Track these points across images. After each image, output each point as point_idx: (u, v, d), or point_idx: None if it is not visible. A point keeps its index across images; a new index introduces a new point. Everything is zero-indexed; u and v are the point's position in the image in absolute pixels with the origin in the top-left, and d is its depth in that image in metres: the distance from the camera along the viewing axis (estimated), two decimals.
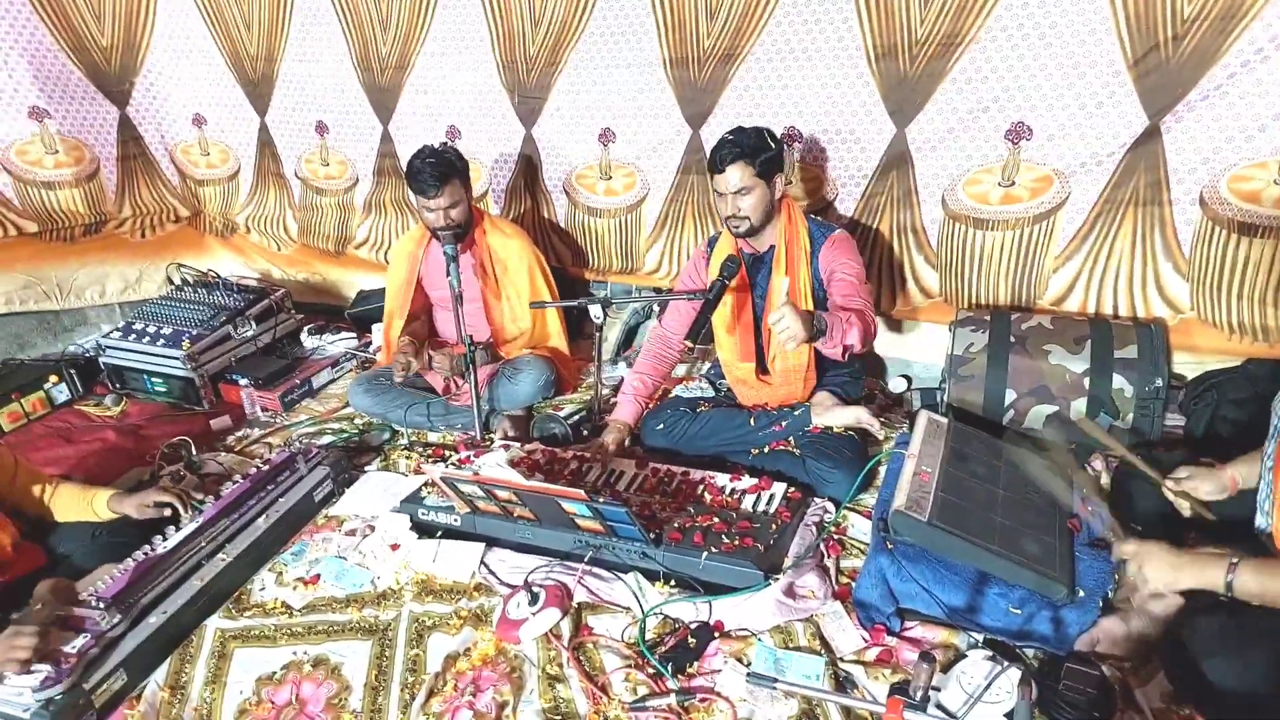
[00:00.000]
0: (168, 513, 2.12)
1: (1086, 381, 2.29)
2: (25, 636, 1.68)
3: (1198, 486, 1.71)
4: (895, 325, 2.89)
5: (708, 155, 2.35)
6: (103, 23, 3.51)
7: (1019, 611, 1.67)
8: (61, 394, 3.17)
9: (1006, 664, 1.42)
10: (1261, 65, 2.10)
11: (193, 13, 3.47)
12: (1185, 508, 1.72)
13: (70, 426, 3.02)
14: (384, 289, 3.11)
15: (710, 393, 2.63)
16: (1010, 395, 2.36)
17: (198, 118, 3.75)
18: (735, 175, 2.26)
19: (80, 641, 1.75)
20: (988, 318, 2.50)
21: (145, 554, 1.98)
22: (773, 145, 2.28)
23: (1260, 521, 1.59)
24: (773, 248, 2.40)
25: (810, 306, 2.35)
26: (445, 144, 2.77)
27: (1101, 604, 1.66)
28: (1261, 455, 1.61)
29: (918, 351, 2.87)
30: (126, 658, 1.78)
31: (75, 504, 2.12)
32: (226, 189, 3.92)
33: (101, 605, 1.81)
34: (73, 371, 3.22)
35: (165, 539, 2.04)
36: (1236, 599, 1.43)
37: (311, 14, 3.29)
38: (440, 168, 2.61)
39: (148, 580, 1.92)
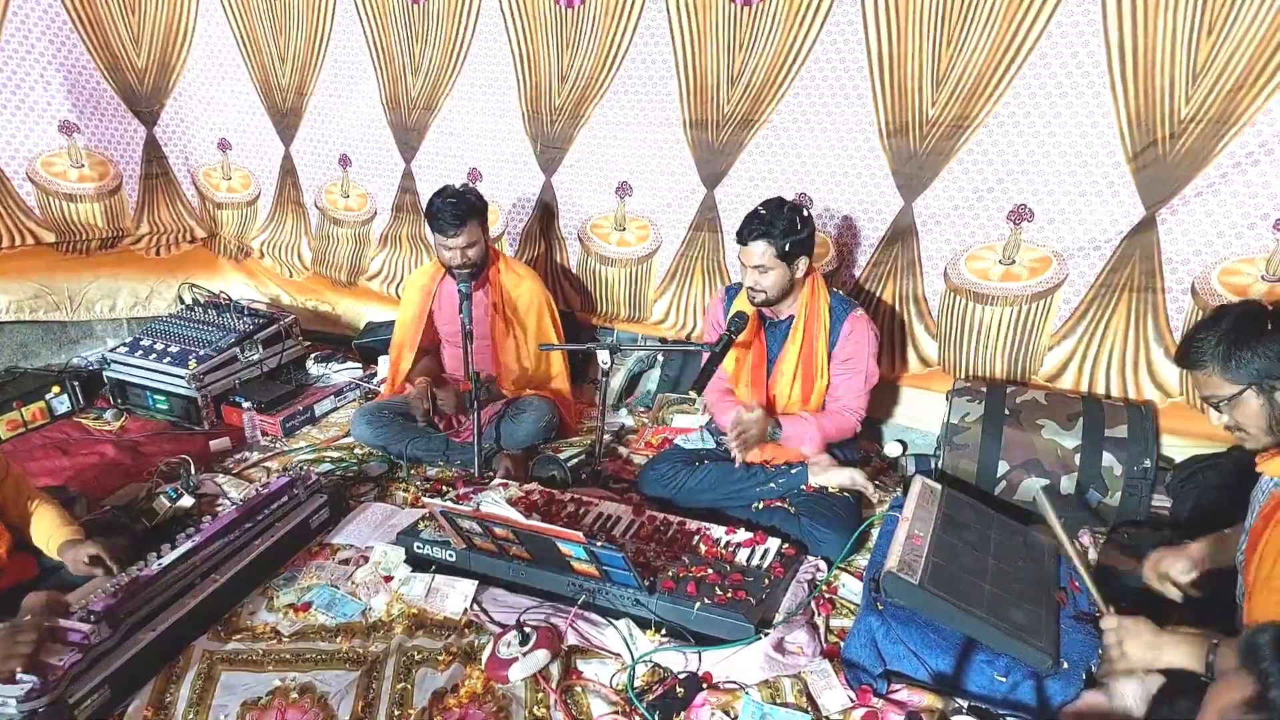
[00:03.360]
0: (99, 572, 1.95)
1: (1077, 457, 2.34)
2: (26, 633, 1.69)
3: (1170, 567, 1.73)
4: (893, 391, 2.95)
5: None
6: (140, 45, 3.63)
7: (1004, 679, 1.69)
8: (62, 405, 3.18)
9: None
10: (1252, 168, 2.21)
11: (229, 42, 3.59)
12: (1175, 594, 1.74)
13: (68, 438, 3.03)
14: (393, 322, 3.16)
15: (710, 445, 2.66)
16: (1003, 466, 2.40)
17: (223, 142, 3.85)
18: (758, 251, 2.30)
19: (68, 655, 1.74)
20: (984, 389, 2.56)
21: (139, 570, 1.98)
22: (801, 229, 2.30)
23: (1240, 612, 1.62)
24: (791, 318, 2.46)
25: (823, 379, 2.44)
26: (466, 185, 2.85)
27: (1085, 676, 1.68)
28: (1235, 538, 1.65)
29: (914, 418, 2.92)
30: (112, 674, 1.77)
31: (43, 532, 2.06)
32: (245, 213, 3.99)
33: (91, 619, 1.80)
34: (75, 383, 3.24)
35: (160, 556, 2.05)
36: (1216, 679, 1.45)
37: (346, 52, 3.41)
38: (461, 208, 2.69)
39: (139, 597, 1.92)
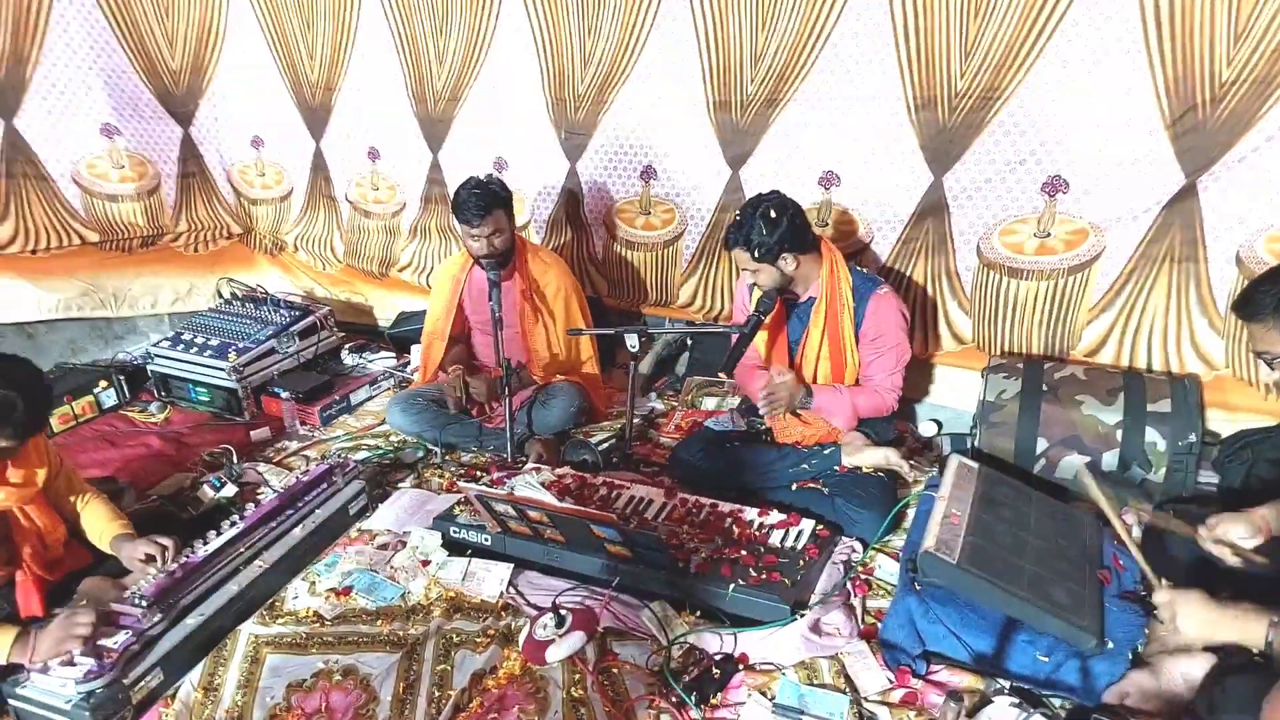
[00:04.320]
0: (151, 570, 1.99)
1: (1119, 433, 2.29)
2: (84, 615, 1.76)
3: (1230, 531, 1.64)
4: (927, 370, 2.91)
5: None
6: (174, 47, 3.70)
7: (1047, 659, 1.67)
8: (109, 399, 3.28)
9: (1032, 712, 1.42)
10: None
11: (259, 42, 3.64)
12: (1228, 555, 1.64)
13: (116, 431, 3.12)
14: (424, 311, 3.20)
15: (741, 426, 2.66)
16: (1042, 444, 2.36)
17: (256, 140, 3.92)
18: (739, 258, 2.38)
19: (122, 638, 1.80)
20: (1020, 365, 2.52)
21: (187, 557, 2.04)
22: (769, 232, 2.28)
23: None
24: (814, 299, 2.44)
25: (853, 359, 2.42)
26: (491, 175, 2.87)
27: (1131, 657, 1.65)
28: None
29: (949, 396, 2.88)
30: (164, 657, 1.83)
31: (94, 527, 2.13)
32: (279, 209, 4.06)
33: (144, 604, 1.86)
34: (121, 378, 3.34)
35: (206, 543, 2.11)
36: (1269, 661, 1.41)
37: (372, 46, 3.44)
38: (485, 198, 2.70)
39: (188, 582, 1.98)
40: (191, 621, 1.92)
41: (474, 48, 3.25)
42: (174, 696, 1.81)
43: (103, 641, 1.78)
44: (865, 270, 2.49)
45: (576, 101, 3.13)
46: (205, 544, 2.10)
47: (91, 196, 3.65)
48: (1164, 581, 1.61)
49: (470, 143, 3.43)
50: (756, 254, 2.32)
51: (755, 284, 2.43)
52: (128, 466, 2.81)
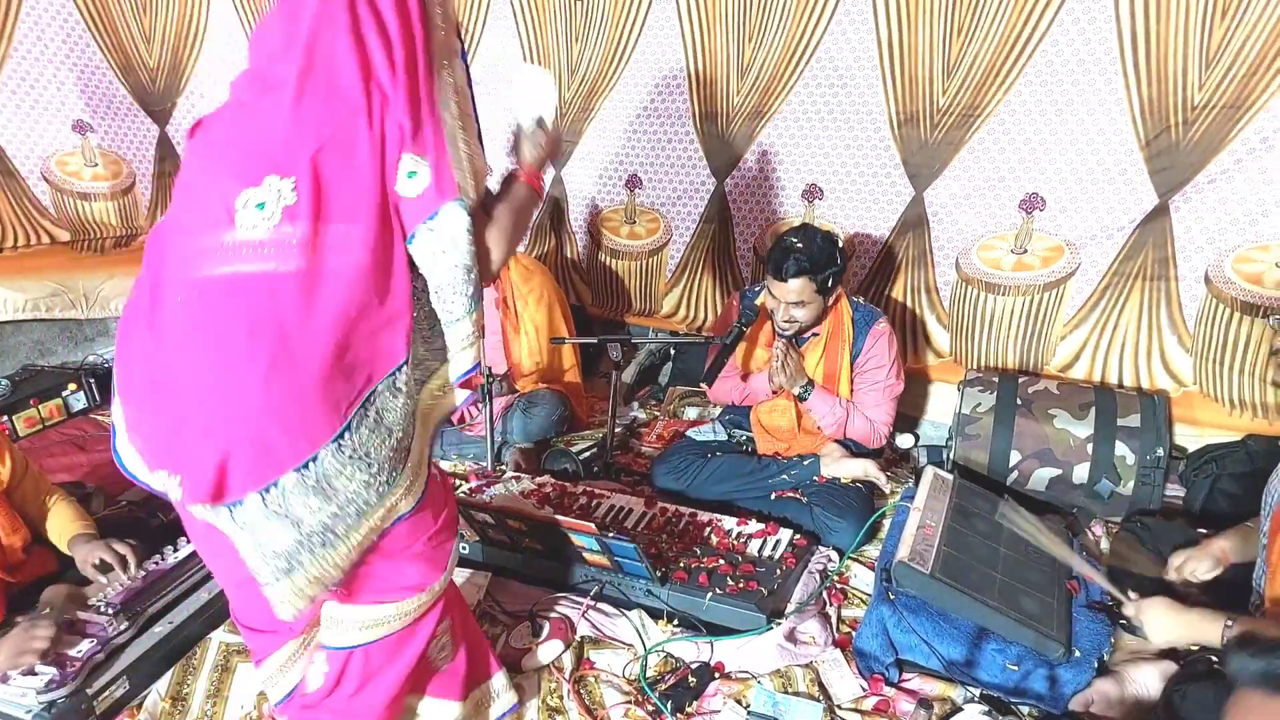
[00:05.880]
0: (102, 579, 1.94)
1: (1090, 447, 2.33)
2: (43, 628, 1.71)
3: (1196, 569, 1.73)
4: (906, 382, 2.94)
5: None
6: (152, 44, 3.65)
7: (1016, 668, 1.69)
8: (78, 402, 3.22)
9: (1000, 718, 1.44)
10: (1266, 154, 2.19)
11: (241, 41, 3.60)
12: (1193, 590, 1.73)
13: (85, 435, 3.06)
14: None
15: (722, 437, 2.67)
16: (1015, 456, 2.40)
17: None
18: (796, 288, 2.22)
19: (86, 646, 1.76)
20: (996, 379, 2.55)
21: (155, 563, 2.01)
22: (840, 261, 2.25)
23: (1255, 595, 1.62)
24: (815, 334, 2.43)
25: (846, 391, 2.42)
26: None
27: (1097, 665, 1.68)
28: (1258, 531, 1.64)
29: (926, 409, 2.91)
30: (130, 665, 1.79)
31: (57, 526, 2.07)
32: None
33: (110, 611, 1.83)
34: (91, 381, 3.27)
35: (175, 549, 2.07)
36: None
37: None
38: None
39: (156, 590, 1.94)
40: (159, 629, 1.88)
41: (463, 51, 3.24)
42: (140, 706, 1.78)
43: (66, 650, 1.75)
44: (862, 302, 2.48)
45: (561, 109, 3.14)
46: (175, 550, 2.07)
47: (62, 194, 3.58)
48: (1131, 594, 1.66)
49: None
50: (824, 283, 2.22)
51: (786, 321, 2.31)
52: (96, 471, 2.75)
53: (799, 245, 2.21)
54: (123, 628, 1.83)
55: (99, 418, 3.19)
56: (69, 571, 2.05)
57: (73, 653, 1.74)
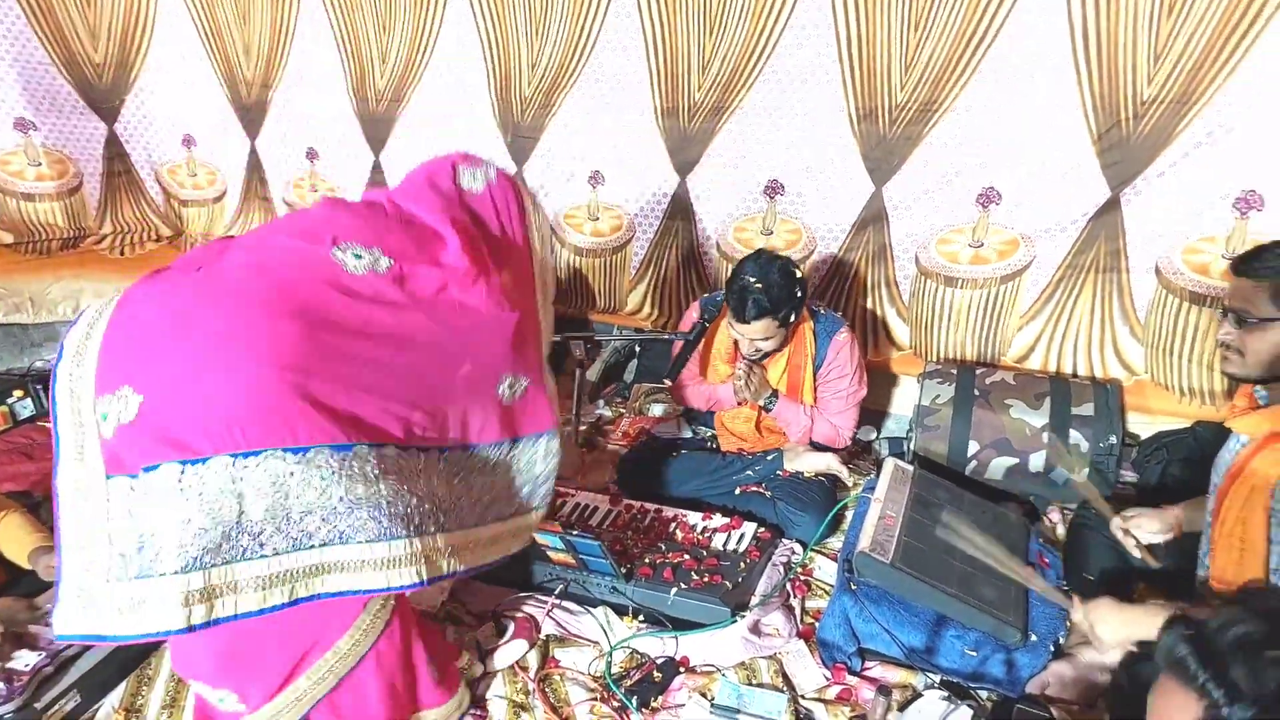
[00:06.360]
0: None
1: (1045, 436, 2.38)
2: None
3: (1143, 525, 1.76)
4: (868, 376, 2.97)
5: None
6: (97, 40, 3.55)
7: (974, 653, 1.72)
8: (25, 409, 3.11)
9: (959, 704, 1.46)
10: (1212, 147, 2.24)
11: (191, 36, 3.52)
12: (1132, 546, 1.76)
13: (33, 443, 2.96)
14: None
15: (687, 434, 2.67)
16: (973, 446, 2.43)
17: (187, 138, 3.78)
18: (759, 328, 2.20)
19: (34, 659, 1.72)
20: (954, 371, 2.59)
21: None
22: (800, 294, 2.22)
23: (1200, 573, 1.66)
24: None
25: (810, 399, 2.42)
26: None
27: (1052, 649, 1.72)
28: (1205, 509, 1.68)
29: (887, 401, 2.94)
30: (81, 678, 1.74)
31: (13, 542, 1.99)
32: (211, 210, 3.92)
33: None
34: (39, 387, 3.17)
35: None
36: None
37: (311, 42, 3.35)
38: None
39: None
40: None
41: (418, 46, 3.20)
42: (93, 719, 1.73)
43: (11, 664, 1.69)
44: (823, 310, 2.47)
45: (523, 104, 3.11)
46: None
47: (5, 195, 3.47)
48: (1075, 599, 1.67)
49: (414, 144, 3.37)
50: (786, 319, 2.20)
51: (754, 351, 2.29)
52: (45, 480, 2.65)
53: (757, 285, 2.15)
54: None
55: (47, 425, 3.09)
56: (23, 581, 1.99)
57: (19, 666, 1.69)
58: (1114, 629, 1.54)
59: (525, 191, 1.84)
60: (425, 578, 1.36)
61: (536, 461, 1.65)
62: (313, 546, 1.32)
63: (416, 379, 1.46)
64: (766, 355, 2.36)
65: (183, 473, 1.27)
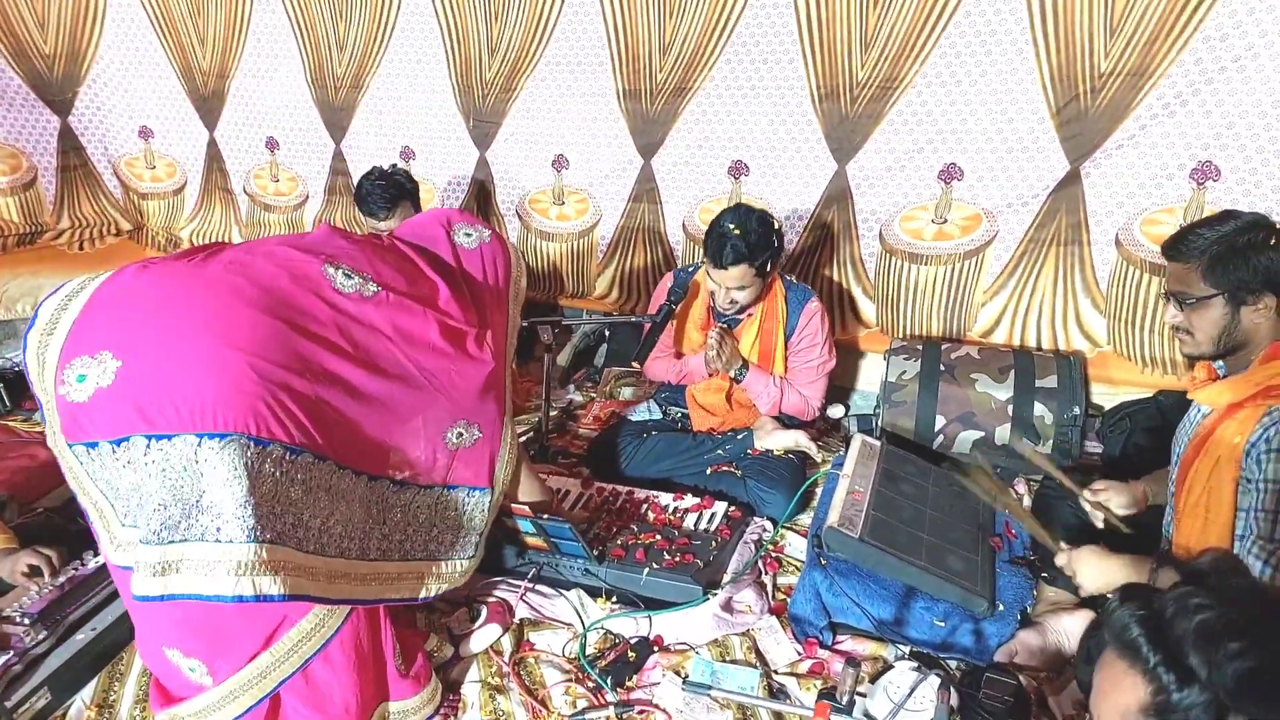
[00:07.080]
0: (34, 586, 1.88)
1: (1010, 409, 2.41)
2: None
3: (1111, 499, 1.80)
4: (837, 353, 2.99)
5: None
6: (46, 30, 3.46)
7: (943, 624, 1.75)
8: None
9: (929, 673, 1.49)
10: (1168, 119, 2.28)
11: (144, 26, 3.44)
12: (1099, 519, 1.81)
13: None
14: None
15: (658, 415, 2.68)
16: (940, 421, 2.47)
17: (144, 130, 3.70)
18: (736, 274, 2.21)
19: (2, 658, 1.69)
20: (920, 347, 2.62)
21: (75, 569, 1.93)
22: (777, 243, 2.25)
23: (1164, 540, 1.70)
24: (750, 314, 2.44)
25: (780, 368, 2.44)
26: (395, 166, 2.79)
27: (1020, 617, 1.75)
28: (1167, 478, 1.72)
29: (855, 378, 2.97)
30: (51, 675, 1.72)
31: None
32: (171, 203, 3.85)
33: (26, 621, 1.76)
34: (1, 386, 3.11)
35: (96, 554, 1.99)
36: None
37: (268, 31, 3.29)
38: (390, 190, 2.63)
39: (75, 596, 1.87)
40: (82, 637, 1.81)
41: (377, 32, 3.15)
42: (64, 716, 1.71)
43: None
44: (794, 280, 2.49)
45: (484, 89, 3.08)
46: (96, 555, 1.99)
47: None
48: (1062, 545, 1.70)
49: (375, 132, 3.33)
50: (764, 267, 2.21)
51: (728, 303, 2.31)
52: (10, 479, 2.61)
53: (735, 231, 2.18)
54: (41, 637, 1.76)
55: (11, 423, 3.03)
56: None
57: None
58: (1096, 575, 1.59)
59: (516, 255, 1.97)
60: (286, 591, 1.34)
61: (464, 514, 1.74)
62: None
63: (377, 408, 1.54)
64: (742, 310, 2.38)
65: (148, 447, 1.33)
